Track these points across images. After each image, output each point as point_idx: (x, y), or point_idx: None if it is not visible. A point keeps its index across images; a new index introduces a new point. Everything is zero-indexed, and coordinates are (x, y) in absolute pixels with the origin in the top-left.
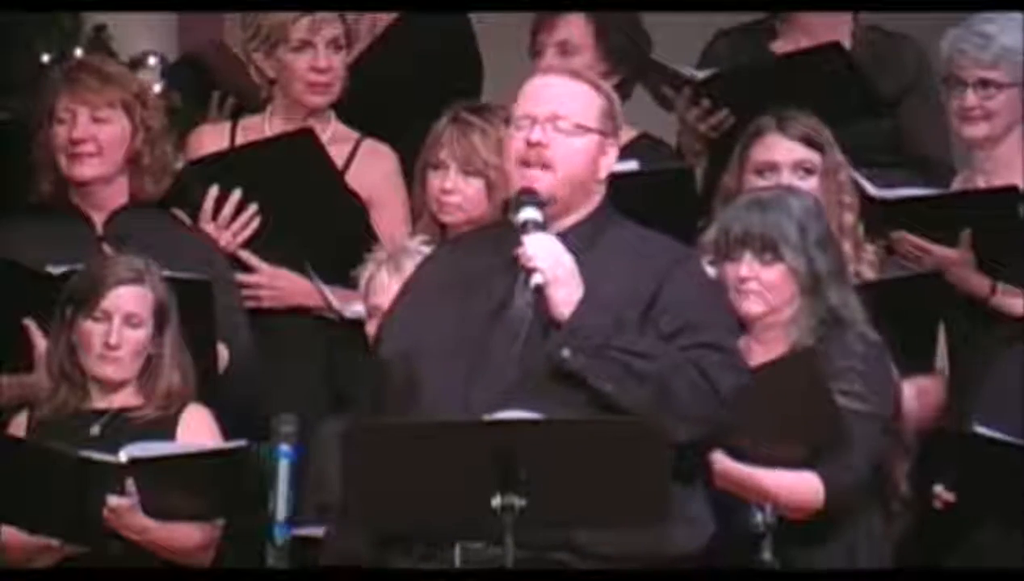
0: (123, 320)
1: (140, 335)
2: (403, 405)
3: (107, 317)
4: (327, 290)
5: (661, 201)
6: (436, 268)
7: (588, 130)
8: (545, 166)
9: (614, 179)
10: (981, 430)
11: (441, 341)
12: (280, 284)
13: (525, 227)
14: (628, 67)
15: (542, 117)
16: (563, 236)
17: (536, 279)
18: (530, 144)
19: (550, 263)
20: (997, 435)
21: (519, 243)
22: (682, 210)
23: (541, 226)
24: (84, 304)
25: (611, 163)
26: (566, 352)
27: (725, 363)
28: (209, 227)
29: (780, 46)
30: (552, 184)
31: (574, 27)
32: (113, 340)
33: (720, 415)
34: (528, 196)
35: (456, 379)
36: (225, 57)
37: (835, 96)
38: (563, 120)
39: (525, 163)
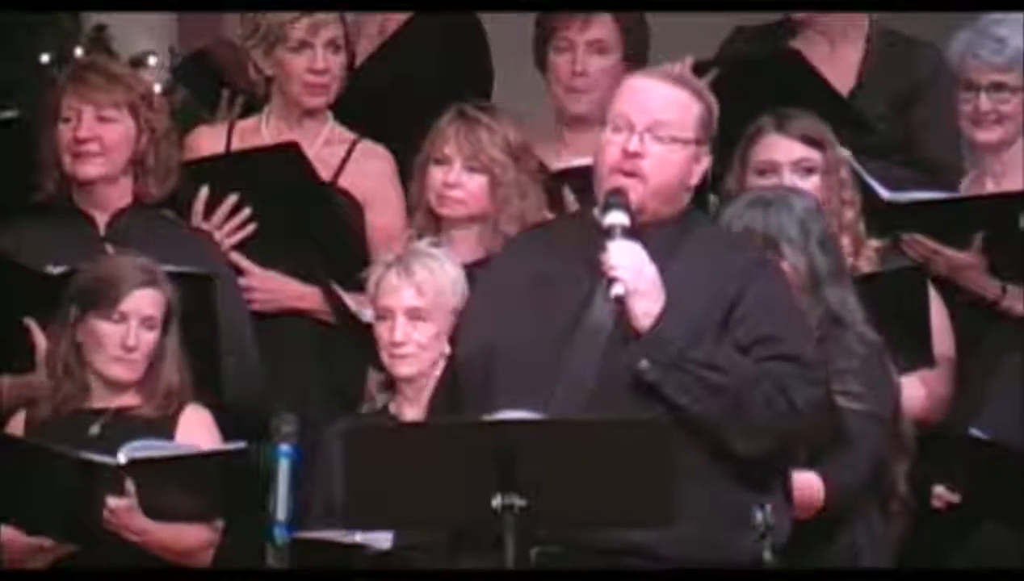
0: (139, 322)
1: (153, 337)
2: (478, 403)
3: (124, 319)
4: (346, 296)
5: None
6: (516, 264)
7: (685, 142)
8: (638, 176)
9: None
10: (981, 435)
11: (521, 342)
12: (271, 287)
13: (611, 231)
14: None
15: (640, 126)
16: (647, 239)
17: (617, 290)
18: (626, 154)
19: (632, 273)
20: (997, 440)
21: (603, 248)
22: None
23: (627, 231)
24: (97, 305)
25: (703, 169)
26: (644, 363)
27: (802, 376)
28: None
29: (797, 45)
30: (643, 194)
31: (606, 26)
32: (131, 342)
33: (795, 428)
34: (617, 197)
35: (535, 382)
36: (235, 54)
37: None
38: (661, 130)
39: (618, 170)
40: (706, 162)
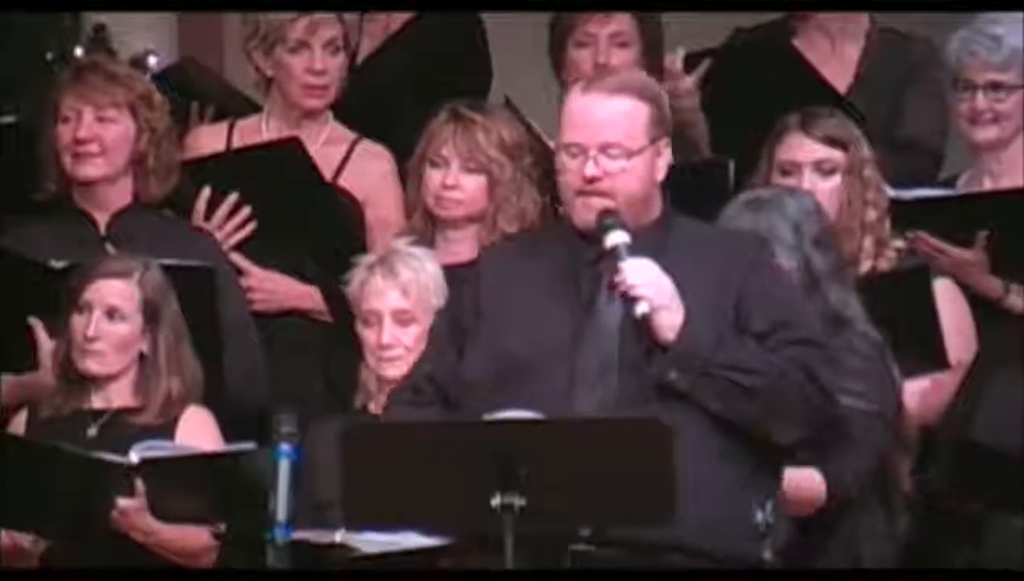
0: (103, 313)
1: (122, 329)
2: (494, 410)
3: (88, 309)
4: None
5: (692, 195)
6: (509, 273)
7: (640, 150)
8: (604, 195)
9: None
10: (979, 439)
11: (533, 350)
12: (270, 287)
13: (616, 252)
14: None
15: (592, 149)
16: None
17: (642, 308)
18: (585, 180)
19: (654, 290)
20: (995, 445)
21: (615, 270)
22: (715, 204)
23: (632, 248)
24: (70, 300)
25: (666, 161)
26: (673, 374)
27: (825, 357)
28: None
29: (796, 43)
30: (614, 210)
31: (625, 20)
32: (91, 332)
33: (828, 411)
34: (611, 217)
35: (557, 388)
36: (199, 71)
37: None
38: (613, 148)
39: (584, 193)
40: (667, 152)
